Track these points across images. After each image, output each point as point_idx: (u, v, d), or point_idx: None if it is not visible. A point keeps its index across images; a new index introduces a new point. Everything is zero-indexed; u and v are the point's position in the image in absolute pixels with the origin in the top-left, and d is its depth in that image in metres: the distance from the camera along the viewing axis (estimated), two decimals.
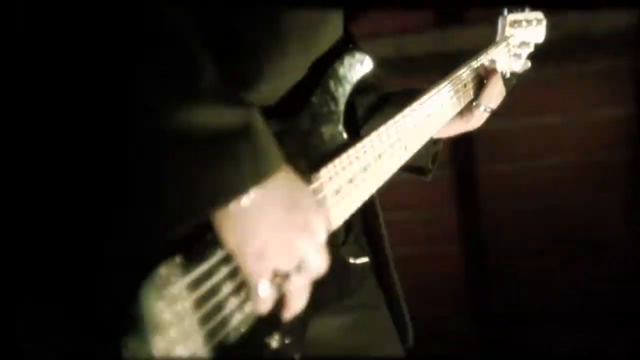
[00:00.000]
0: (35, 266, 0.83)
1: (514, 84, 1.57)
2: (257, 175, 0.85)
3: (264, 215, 0.87)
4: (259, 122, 0.88)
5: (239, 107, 0.87)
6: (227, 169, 0.83)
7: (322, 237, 0.93)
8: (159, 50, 0.82)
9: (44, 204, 0.83)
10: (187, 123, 0.81)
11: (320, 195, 1.02)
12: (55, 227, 0.83)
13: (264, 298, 0.91)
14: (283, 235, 0.89)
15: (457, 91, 1.40)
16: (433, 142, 1.42)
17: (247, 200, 0.85)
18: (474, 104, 1.46)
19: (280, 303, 0.93)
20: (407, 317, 1.27)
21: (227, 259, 0.90)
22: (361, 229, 1.21)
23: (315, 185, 1.02)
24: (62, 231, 0.82)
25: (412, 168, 1.37)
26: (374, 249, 1.23)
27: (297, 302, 0.94)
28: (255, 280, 0.90)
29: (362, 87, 1.14)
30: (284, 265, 0.91)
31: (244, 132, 0.85)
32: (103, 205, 0.82)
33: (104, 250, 0.83)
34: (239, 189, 0.84)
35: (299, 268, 0.92)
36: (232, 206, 0.85)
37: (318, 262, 0.93)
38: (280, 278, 0.92)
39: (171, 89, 0.81)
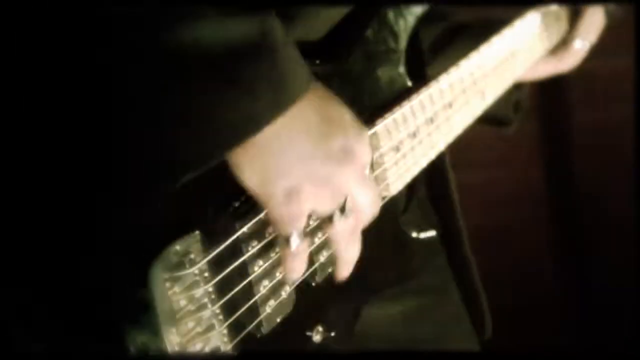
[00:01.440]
0: (28, 255, 0.79)
1: (620, 14, 1.49)
2: (279, 102, 0.79)
3: (292, 147, 0.80)
4: (278, 32, 0.80)
5: (252, 15, 0.79)
6: (241, 96, 0.77)
7: (366, 166, 0.88)
8: None
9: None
10: (186, 40, 0.75)
11: (376, 153, 0.99)
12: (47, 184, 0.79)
13: (298, 252, 0.84)
14: (318, 168, 0.82)
15: (547, 23, 1.37)
16: (515, 87, 1.37)
17: (269, 131, 0.79)
18: (568, 37, 1.41)
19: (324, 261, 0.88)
20: (484, 303, 1.22)
21: (260, 231, 0.86)
22: (427, 195, 1.18)
23: (370, 140, 0.98)
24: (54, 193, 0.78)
25: (490, 119, 1.33)
26: (443, 218, 1.18)
27: (348, 253, 0.88)
28: (287, 229, 0.83)
29: (428, 15, 1.10)
30: (324, 206, 0.84)
31: (259, 47, 0.78)
32: (96, 152, 0.77)
33: (103, 219, 0.78)
34: (257, 122, 0.78)
35: (344, 209, 0.84)
36: (251, 140, 0.78)
37: (367, 199, 0.86)
38: (322, 224, 0.86)
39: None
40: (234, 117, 0.77)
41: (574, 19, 1.41)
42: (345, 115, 0.87)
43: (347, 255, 0.88)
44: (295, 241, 0.83)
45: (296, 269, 0.85)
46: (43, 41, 0.76)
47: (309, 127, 0.82)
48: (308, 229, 0.87)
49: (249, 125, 0.78)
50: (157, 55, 0.75)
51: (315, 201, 0.82)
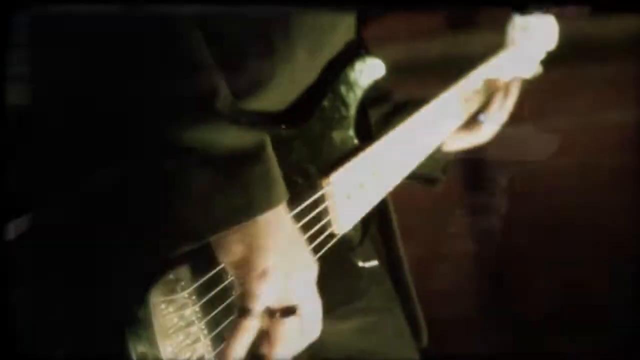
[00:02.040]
0: (42, 269, 0.82)
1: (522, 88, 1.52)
2: (269, 201, 0.83)
3: (271, 239, 0.84)
4: (270, 146, 0.86)
5: (253, 129, 0.85)
6: (240, 192, 0.81)
7: (314, 287, 0.90)
8: (176, 69, 0.81)
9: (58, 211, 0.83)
10: (202, 143, 0.79)
11: (329, 201, 1.01)
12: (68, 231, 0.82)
13: (248, 326, 0.84)
14: (289, 261, 0.85)
15: (465, 99, 1.38)
16: (444, 154, 1.39)
17: (256, 223, 0.83)
18: (481, 117, 1.42)
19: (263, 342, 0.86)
20: (421, 318, 1.24)
21: None
22: (376, 231, 1.19)
23: (326, 189, 1.01)
24: (75, 236, 0.82)
25: (422, 177, 1.36)
26: (388, 250, 1.20)
27: (282, 350, 0.86)
28: (249, 303, 0.83)
29: (376, 95, 1.13)
30: (284, 295, 0.86)
31: (257, 156, 0.83)
32: (110, 222, 0.81)
33: (112, 258, 0.81)
34: (249, 214, 0.82)
35: (293, 310, 0.86)
36: (241, 227, 0.82)
37: (314, 308, 0.89)
38: (271, 314, 0.86)
39: (188, 109, 0.80)
40: (233, 206, 0.81)
41: (488, 100, 1.40)
42: (302, 239, 0.91)
43: (280, 351, 0.86)
44: (251, 315, 0.83)
45: (239, 341, 0.83)
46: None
47: (285, 230, 0.86)
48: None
49: (244, 214, 0.81)
50: (172, 151, 0.79)
51: (279, 288, 0.84)
